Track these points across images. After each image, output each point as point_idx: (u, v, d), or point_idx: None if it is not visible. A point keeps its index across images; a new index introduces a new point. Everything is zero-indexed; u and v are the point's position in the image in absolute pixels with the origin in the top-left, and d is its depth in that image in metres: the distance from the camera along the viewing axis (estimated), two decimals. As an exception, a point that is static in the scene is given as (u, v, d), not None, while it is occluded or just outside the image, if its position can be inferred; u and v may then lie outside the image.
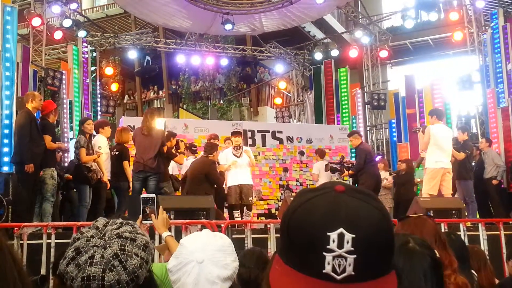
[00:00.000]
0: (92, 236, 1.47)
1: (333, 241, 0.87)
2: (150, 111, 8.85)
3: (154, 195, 3.40)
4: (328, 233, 0.88)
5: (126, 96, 23.05)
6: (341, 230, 0.87)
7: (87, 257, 1.42)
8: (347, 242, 0.87)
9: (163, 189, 8.37)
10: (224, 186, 9.44)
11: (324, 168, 11.35)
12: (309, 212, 0.92)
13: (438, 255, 1.88)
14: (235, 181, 9.32)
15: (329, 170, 11.19)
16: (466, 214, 8.51)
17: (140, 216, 3.19)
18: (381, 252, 0.91)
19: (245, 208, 9.49)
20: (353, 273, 0.87)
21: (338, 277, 0.87)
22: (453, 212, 7.96)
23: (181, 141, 9.53)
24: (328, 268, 0.87)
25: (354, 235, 0.87)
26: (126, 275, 1.42)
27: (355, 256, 0.87)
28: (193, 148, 10.27)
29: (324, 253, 0.87)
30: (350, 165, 10.46)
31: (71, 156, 10.32)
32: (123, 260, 1.43)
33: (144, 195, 3.47)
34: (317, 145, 13.36)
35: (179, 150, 9.16)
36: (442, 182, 8.98)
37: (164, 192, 8.28)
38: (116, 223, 1.52)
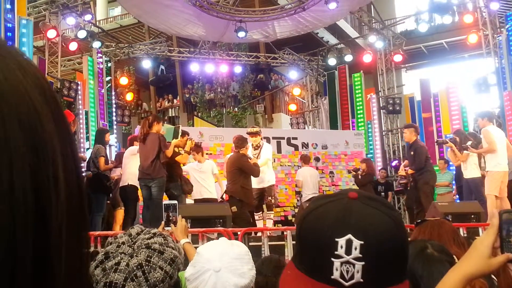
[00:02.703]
0: (123, 242, 1.47)
1: (341, 247, 0.87)
2: (151, 117, 8.54)
3: (176, 202, 3.42)
4: (337, 239, 0.88)
5: (144, 104, 23.26)
6: (349, 236, 0.88)
7: (113, 263, 1.42)
8: (355, 249, 0.87)
9: (169, 190, 8.14)
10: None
11: (308, 175, 10.94)
12: (320, 218, 0.93)
13: (456, 256, 1.86)
14: (255, 184, 8.98)
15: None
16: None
17: (163, 222, 3.20)
18: (391, 260, 0.90)
19: (265, 209, 9.40)
20: (361, 280, 0.87)
21: (346, 284, 0.87)
22: (472, 216, 7.87)
23: (190, 139, 9.25)
24: (336, 274, 0.88)
25: (362, 242, 0.87)
26: (146, 287, 1.41)
27: (363, 263, 0.87)
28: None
29: (332, 259, 0.88)
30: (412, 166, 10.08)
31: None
32: (146, 271, 1.42)
33: (166, 201, 3.49)
34: (332, 151, 13.30)
35: (185, 149, 8.92)
36: (500, 185, 8.67)
37: (171, 194, 8.07)
38: (150, 233, 1.51)
